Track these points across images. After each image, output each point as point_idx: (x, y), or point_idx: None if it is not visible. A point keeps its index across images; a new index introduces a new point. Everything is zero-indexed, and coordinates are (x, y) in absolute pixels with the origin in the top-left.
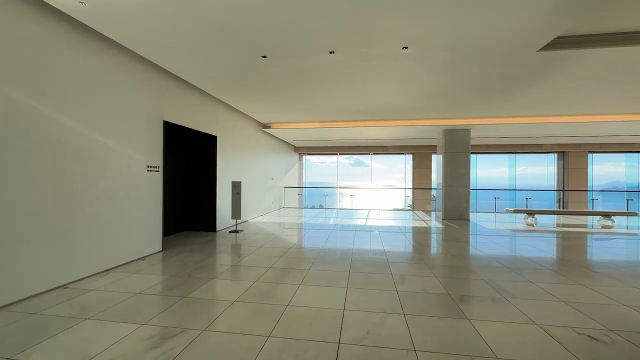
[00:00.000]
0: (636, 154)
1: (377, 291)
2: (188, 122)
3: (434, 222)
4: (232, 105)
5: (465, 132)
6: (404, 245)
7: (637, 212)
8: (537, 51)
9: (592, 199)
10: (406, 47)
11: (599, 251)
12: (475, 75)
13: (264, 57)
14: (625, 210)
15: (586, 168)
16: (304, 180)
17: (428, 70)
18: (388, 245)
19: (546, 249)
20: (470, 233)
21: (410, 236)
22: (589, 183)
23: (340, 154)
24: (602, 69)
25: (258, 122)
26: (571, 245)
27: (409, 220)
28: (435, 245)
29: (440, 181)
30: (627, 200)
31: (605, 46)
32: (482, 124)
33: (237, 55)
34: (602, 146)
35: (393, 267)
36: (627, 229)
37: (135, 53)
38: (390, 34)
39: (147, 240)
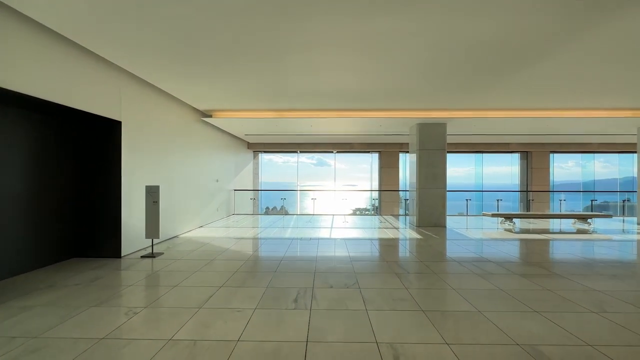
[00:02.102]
0: (591, 154)
1: None
2: (55, 94)
3: (409, 231)
4: (151, 82)
5: (441, 126)
6: (386, 276)
7: (611, 214)
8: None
9: (560, 200)
10: None
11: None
12: (467, 47)
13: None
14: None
15: (548, 168)
16: (260, 182)
17: (409, 36)
18: (364, 277)
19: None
20: (459, 246)
21: (391, 255)
22: (551, 182)
23: (301, 151)
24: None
25: (195, 109)
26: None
27: (381, 230)
28: (428, 275)
29: (414, 182)
30: (592, 201)
31: None
32: (459, 118)
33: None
34: (564, 146)
35: (380, 328)
36: (625, 232)
37: None
38: None
39: None
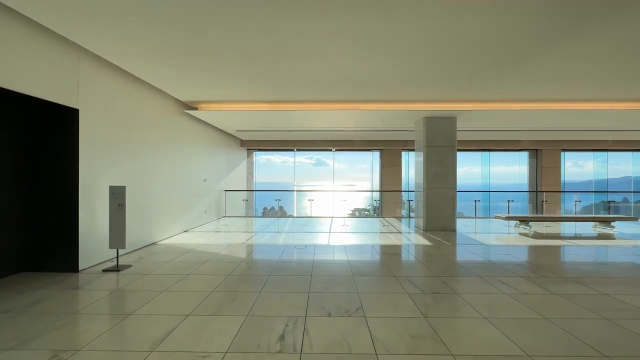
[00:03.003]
0: (604, 153)
1: None
2: None
3: (415, 236)
4: (120, 66)
5: (450, 121)
6: (397, 297)
7: (636, 217)
8: None
9: (575, 201)
10: None
11: None
12: (483, 31)
13: None
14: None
15: (559, 166)
16: (254, 182)
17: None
18: (370, 300)
19: None
20: (475, 254)
21: (399, 267)
22: (561, 182)
23: (297, 150)
24: None
25: (177, 100)
26: None
27: (384, 235)
28: (449, 296)
29: (420, 182)
30: (610, 202)
31: None
32: (470, 110)
33: None
34: (576, 143)
35: None
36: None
37: None
38: None
39: None
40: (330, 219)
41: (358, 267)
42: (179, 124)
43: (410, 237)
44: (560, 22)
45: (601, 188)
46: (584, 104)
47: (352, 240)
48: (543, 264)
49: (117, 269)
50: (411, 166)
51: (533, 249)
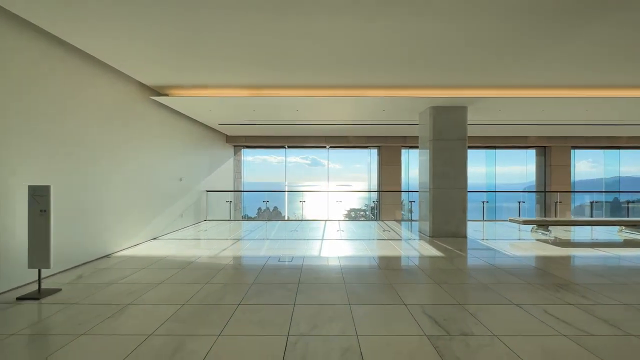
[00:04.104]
0: (616, 150)
1: None
2: None
3: (422, 244)
4: (50, 31)
5: (460, 111)
6: (416, 348)
7: None
8: None
9: (592, 202)
10: None
11: None
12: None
13: None
14: None
15: (569, 165)
16: (242, 182)
17: None
18: (378, 356)
19: None
20: (498, 270)
21: (411, 291)
22: (572, 181)
23: (289, 146)
24: None
25: (141, 83)
26: None
27: (385, 243)
28: (489, 345)
29: (426, 181)
30: (628, 202)
31: None
32: (485, 97)
33: None
34: (587, 140)
35: None
36: None
37: None
38: None
39: None
40: (324, 222)
41: (356, 291)
42: (145, 113)
43: (415, 246)
44: None
45: (613, 187)
46: (614, 91)
47: (348, 250)
48: (591, 284)
49: (37, 295)
50: (412, 165)
51: (566, 262)
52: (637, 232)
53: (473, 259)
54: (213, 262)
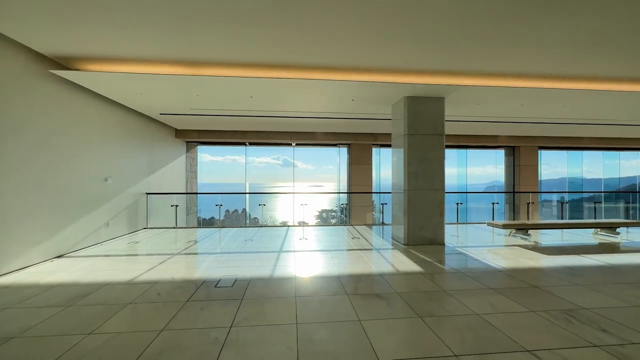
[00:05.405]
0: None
1: None
2: None
3: (396, 255)
4: None
5: (437, 102)
6: None
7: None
8: None
9: (563, 203)
10: None
11: None
12: None
13: None
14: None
15: (537, 165)
16: (197, 183)
17: None
18: None
19: None
20: (488, 291)
21: (386, 334)
22: (539, 181)
23: (250, 143)
24: None
25: (35, 51)
26: None
27: (355, 254)
28: None
29: (399, 182)
30: (595, 202)
31: None
32: (465, 85)
33: None
34: (553, 140)
35: None
36: None
37: None
38: None
39: None
40: (286, 228)
41: (313, 338)
42: (44, 92)
43: (389, 258)
44: None
45: (575, 188)
46: (596, 84)
47: (310, 265)
48: (606, 310)
49: None
50: (383, 164)
51: (565, 274)
52: (612, 234)
53: (457, 275)
54: (123, 291)
